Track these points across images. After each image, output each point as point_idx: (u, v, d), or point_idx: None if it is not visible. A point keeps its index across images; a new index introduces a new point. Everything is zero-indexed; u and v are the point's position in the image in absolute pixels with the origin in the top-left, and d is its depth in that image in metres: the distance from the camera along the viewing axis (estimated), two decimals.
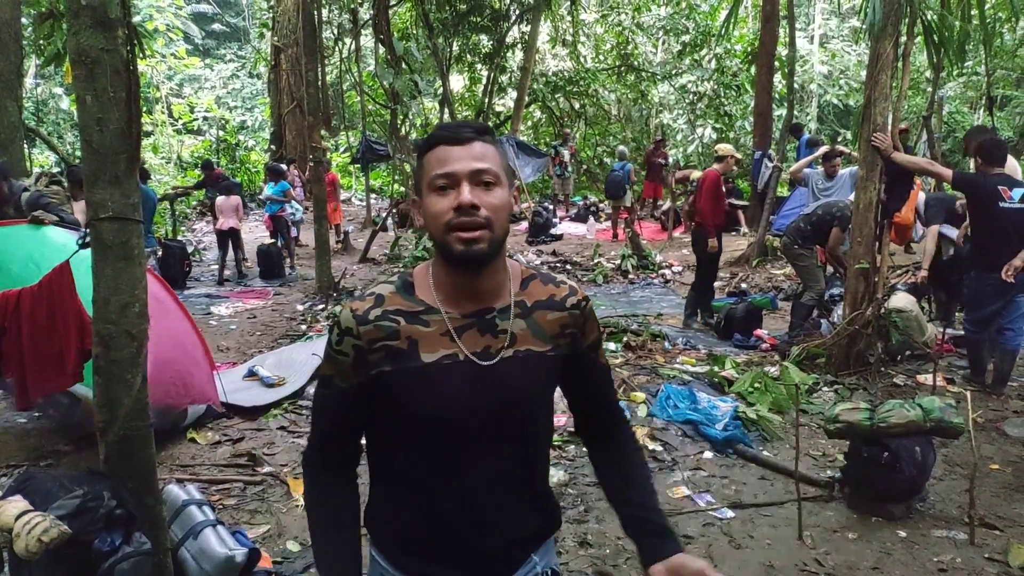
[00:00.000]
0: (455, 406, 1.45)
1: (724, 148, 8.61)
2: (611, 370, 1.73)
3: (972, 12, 7.01)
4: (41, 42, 9.23)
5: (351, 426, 1.54)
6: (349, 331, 1.44)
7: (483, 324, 1.48)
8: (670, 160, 19.07)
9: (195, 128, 26.02)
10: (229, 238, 11.89)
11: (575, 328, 1.57)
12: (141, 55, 2.77)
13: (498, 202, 1.41)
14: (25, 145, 7.77)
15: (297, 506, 4.13)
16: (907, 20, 5.89)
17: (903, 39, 5.93)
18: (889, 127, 5.96)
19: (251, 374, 6.24)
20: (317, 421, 1.58)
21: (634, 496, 1.59)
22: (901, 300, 6.31)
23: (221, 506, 4.10)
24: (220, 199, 12.11)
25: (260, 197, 13.48)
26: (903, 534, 3.85)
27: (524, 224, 16.22)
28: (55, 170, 19.93)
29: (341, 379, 1.48)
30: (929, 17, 6.19)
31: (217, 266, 12.03)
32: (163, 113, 24.91)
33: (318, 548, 1.58)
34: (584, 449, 4.83)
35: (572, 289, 1.59)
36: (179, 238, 13.73)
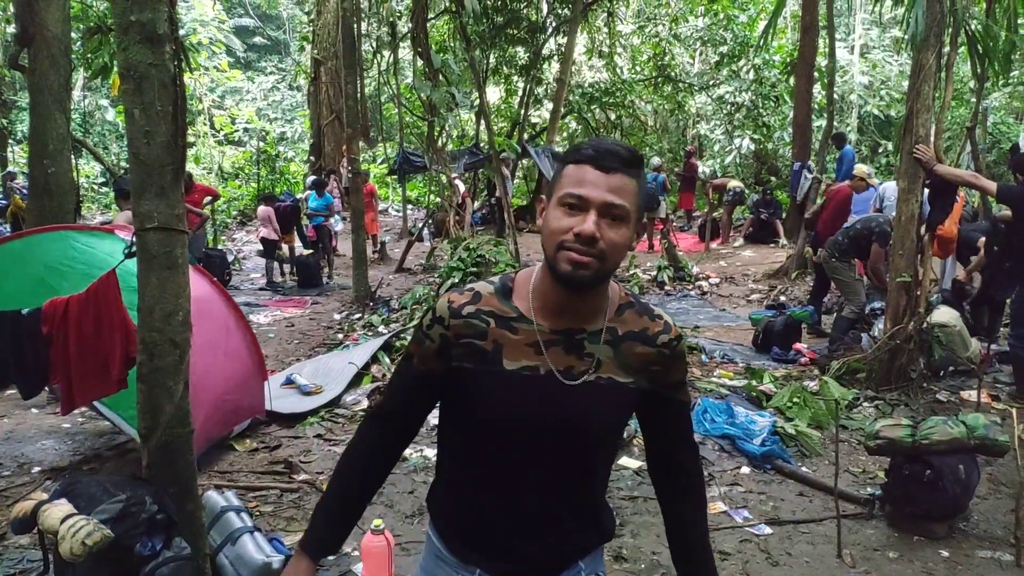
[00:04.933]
0: (524, 418, 1.45)
1: (860, 169, 9.28)
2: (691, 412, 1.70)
3: (1018, 21, 6.88)
4: (89, 56, 9.45)
5: (415, 408, 1.61)
6: (441, 320, 1.48)
7: (570, 343, 1.47)
8: (704, 171, 18.98)
9: (236, 139, 26.45)
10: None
11: (660, 366, 1.53)
12: (188, 70, 2.83)
13: (619, 239, 1.38)
14: (72, 156, 7.93)
15: None
16: (950, 30, 5.81)
17: (946, 49, 5.84)
18: (932, 139, 5.86)
19: (289, 382, 6.32)
20: (390, 390, 1.64)
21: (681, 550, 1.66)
22: (944, 315, 6.19)
23: (258, 513, 4.14)
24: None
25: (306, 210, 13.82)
26: (946, 554, 3.76)
27: None
28: (100, 180, 20.42)
29: (420, 361, 1.53)
30: (973, 27, 6.09)
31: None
32: (205, 125, 25.35)
33: (333, 487, 1.63)
34: (619, 463, 4.82)
35: (667, 326, 1.55)
36: (219, 247, 13.97)
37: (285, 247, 12.93)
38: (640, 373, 1.51)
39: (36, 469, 4.84)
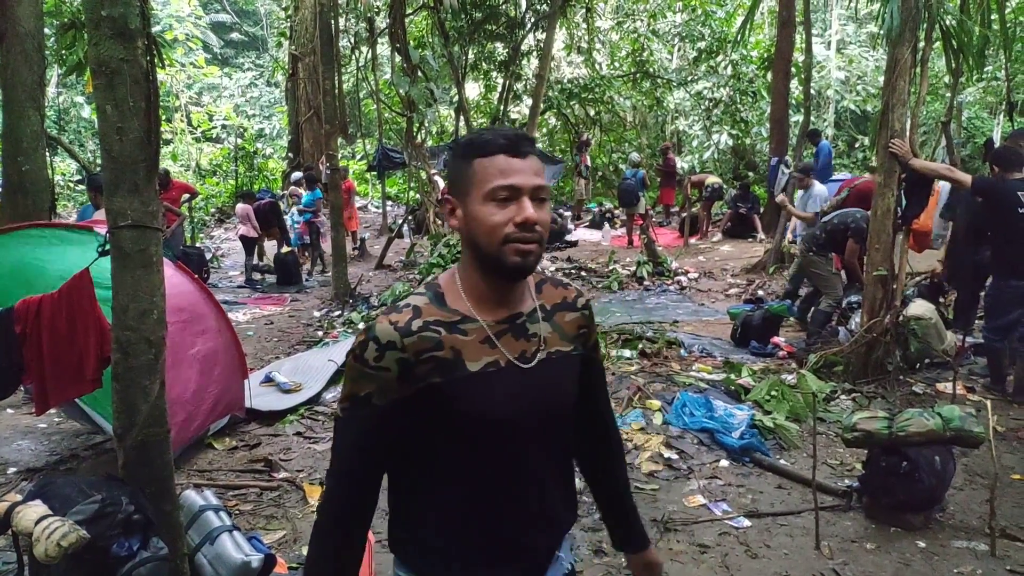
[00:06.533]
0: (506, 411, 1.46)
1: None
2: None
3: (991, 16, 6.95)
4: (63, 52, 9.34)
5: (385, 450, 1.47)
6: (392, 344, 1.40)
7: (516, 329, 1.50)
8: (682, 167, 19.07)
9: (214, 136, 26.22)
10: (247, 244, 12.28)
11: (586, 327, 1.63)
12: (160, 65, 2.78)
13: (547, 218, 1.44)
14: (47, 153, 7.84)
15: (313, 512, 4.14)
16: (925, 25, 5.86)
17: (921, 44, 5.89)
18: (907, 133, 5.91)
19: (268, 380, 6.29)
20: (346, 453, 1.47)
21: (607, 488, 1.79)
22: (920, 307, 6.25)
23: (237, 512, 4.12)
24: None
25: (297, 207, 13.75)
26: (922, 544, 3.81)
27: None
28: (76, 178, 20.19)
29: (380, 397, 1.41)
30: (947, 22, 6.15)
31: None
32: (182, 121, 25.12)
33: None
34: None
35: (578, 291, 1.66)
36: (197, 245, 13.86)
37: (269, 244, 12.92)
38: (576, 339, 1.61)
39: (11, 470, 4.78)
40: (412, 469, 1.51)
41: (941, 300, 7.35)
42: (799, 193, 8.63)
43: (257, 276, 12.37)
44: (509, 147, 1.40)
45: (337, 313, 9.59)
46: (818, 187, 8.67)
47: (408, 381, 1.41)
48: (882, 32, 6.03)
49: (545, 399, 1.51)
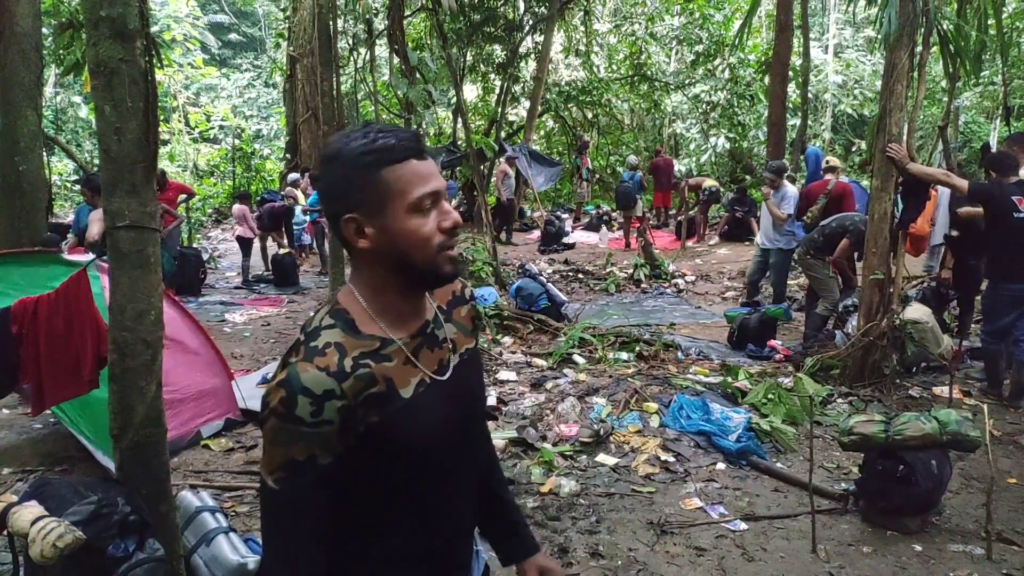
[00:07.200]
0: (440, 430, 1.38)
1: (834, 160, 9.56)
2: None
3: (989, 21, 6.97)
4: (61, 52, 9.34)
5: (331, 519, 1.30)
6: (330, 394, 1.23)
7: (429, 339, 1.41)
8: (680, 170, 19.09)
9: (211, 137, 26.22)
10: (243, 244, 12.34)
11: (478, 318, 1.62)
12: (159, 65, 2.78)
13: None
14: (44, 153, 7.83)
15: None
16: (923, 30, 5.87)
17: (919, 49, 5.90)
18: (904, 138, 5.93)
19: (264, 381, 6.27)
20: (294, 534, 1.26)
21: (495, 494, 1.69)
22: (916, 311, 6.26)
23: (234, 513, 4.11)
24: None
25: (301, 207, 13.77)
26: (919, 548, 3.81)
27: (536, 233, 16.25)
28: (73, 178, 20.16)
29: (324, 454, 1.23)
30: (945, 27, 6.16)
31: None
32: (180, 122, 25.11)
33: None
34: (596, 459, 4.83)
35: (462, 281, 1.59)
36: (195, 245, 13.84)
37: (275, 247, 12.97)
38: (473, 331, 1.57)
39: (6, 470, 4.76)
40: (348, 522, 1.36)
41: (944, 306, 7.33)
42: (772, 193, 8.64)
43: (261, 285, 12.25)
44: (416, 150, 1.29)
45: None
46: (790, 188, 8.67)
47: (350, 428, 1.25)
48: (880, 36, 6.04)
49: (468, 404, 1.47)
